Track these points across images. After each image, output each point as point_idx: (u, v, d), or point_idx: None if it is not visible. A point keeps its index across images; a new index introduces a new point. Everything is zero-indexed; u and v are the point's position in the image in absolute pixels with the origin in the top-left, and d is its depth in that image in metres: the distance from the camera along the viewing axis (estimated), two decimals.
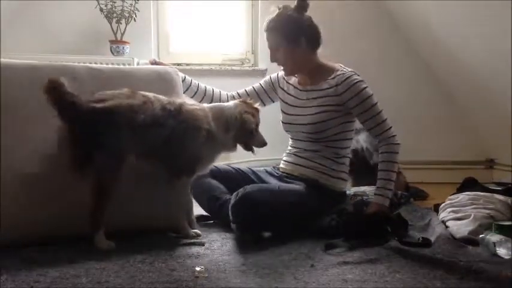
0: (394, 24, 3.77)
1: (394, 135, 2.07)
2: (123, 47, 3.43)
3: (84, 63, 3.13)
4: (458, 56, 3.35)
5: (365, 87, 2.07)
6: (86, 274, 1.47)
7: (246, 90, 2.33)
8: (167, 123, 1.79)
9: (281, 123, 2.25)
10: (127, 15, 3.40)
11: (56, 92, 1.63)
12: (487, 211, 2.00)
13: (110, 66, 2.75)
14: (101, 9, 3.36)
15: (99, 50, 3.45)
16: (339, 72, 2.09)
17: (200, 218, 2.20)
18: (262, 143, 1.98)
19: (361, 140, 2.89)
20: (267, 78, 2.33)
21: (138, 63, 3.32)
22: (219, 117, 1.90)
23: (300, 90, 2.18)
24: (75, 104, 1.65)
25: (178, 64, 3.65)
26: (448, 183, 2.92)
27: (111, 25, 3.41)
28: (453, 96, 3.78)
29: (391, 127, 2.08)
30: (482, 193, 2.18)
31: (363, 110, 2.04)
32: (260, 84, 2.33)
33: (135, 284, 1.40)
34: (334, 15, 3.71)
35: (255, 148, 1.98)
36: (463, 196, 2.18)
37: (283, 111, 2.24)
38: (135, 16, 3.42)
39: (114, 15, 3.39)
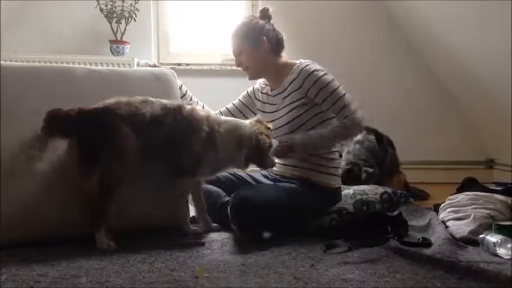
0: (394, 24, 3.77)
1: (359, 120, 2.03)
2: (123, 47, 3.43)
3: (84, 63, 3.16)
4: (458, 56, 3.35)
5: (322, 75, 2.07)
6: (86, 274, 1.47)
7: (227, 108, 2.38)
8: (167, 121, 1.81)
9: None
10: (127, 15, 3.41)
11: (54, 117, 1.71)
12: (487, 211, 2.00)
13: (108, 67, 2.76)
14: (101, 9, 3.37)
15: (99, 50, 3.45)
16: (295, 66, 2.13)
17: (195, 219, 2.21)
18: (272, 165, 2.03)
19: (355, 150, 2.92)
20: (244, 93, 2.38)
21: (138, 63, 3.33)
22: (233, 132, 1.92)
23: (272, 96, 2.23)
24: (77, 111, 1.71)
25: (178, 64, 3.66)
26: (448, 183, 2.92)
27: (111, 25, 3.41)
28: (453, 96, 3.78)
29: (357, 109, 2.05)
30: (482, 193, 2.18)
31: (324, 97, 2.05)
32: (239, 99, 2.38)
33: (135, 284, 1.40)
34: (335, 15, 3.72)
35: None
36: (463, 196, 2.18)
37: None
38: (135, 16, 3.42)
39: (114, 15, 3.39)
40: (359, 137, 2.92)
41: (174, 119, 1.83)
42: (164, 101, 1.87)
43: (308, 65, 2.11)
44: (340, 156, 2.76)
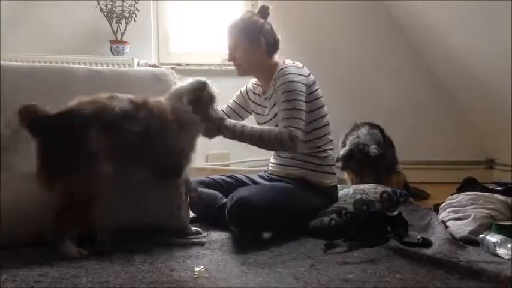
0: (395, 24, 3.77)
1: (295, 136, 1.98)
2: (123, 47, 3.43)
3: (84, 63, 3.16)
4: (458, 56, 3.35)
5: (293, 81, 2.05)
6: (86, 274, 1.47)
7: (222, 110, 2.34)
8: (138, 116, 1.71)
9: None
10: (127, 15, 3.40)
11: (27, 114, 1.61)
12: (487, 211, 2.00)
13: (108, 67, 2.76)
14: (101, 9, 3.36)
15: (99, 50, 3.45)
16: (278, 68, 2.12)
17: (195, 219, 2.21)
18: (221, 117, 1.96)
19: (361, 135, 2.88)
20: (237, 93, 2.38)
21: (138, 63, 3.33)
22: (177, 97, 1.86)
23: (264, 98, 2.23)
24: (42, 116, 1.61)
25: (178, 64, 3.66)
26: (448, 183, 2.92)
27: (111, 25, 3.41)
28: (453, 96, 3.78)
29: (300, 128, 2.00)
30: (482, 193, 2.18)
31: (283, 99, 2.03)
32: (233, 100, 2.38)
33: (135, 284, 1.40)
34: (335, 15, 3.71)
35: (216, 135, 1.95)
36: (463, 196, 2.18)
37: (258, 123, 2.29)
38: (135, 16, 3.42)
39: (114, 15, 3.39)
40: (363, 130, 2.90)
41: (145, 114, 1.72)
42: (130, 95, 1.76)
43: (287, 67, 2.10)
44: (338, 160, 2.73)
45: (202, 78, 1.95)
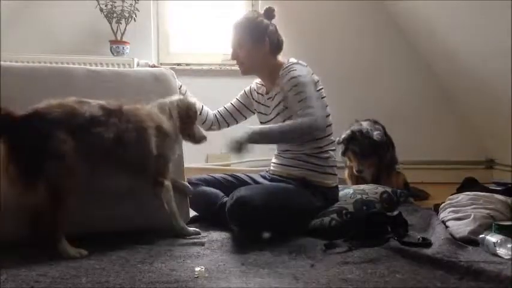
0: (395, 24, 3.77)
1: (314, 116, 1.95)
2: (123, 47, 3.43)
3: (84, 63, 3.16)
4: (459, 56, 3.35)
5: (300, 75, 2.05)
6: (86, 274, 1.47)
7: (225, 108, 2.39)
8: (109, 122, 1.72)
9: None
10: (127, 15, 3.41)
11: None
12: (487, 211, 2.00)
13: (107, 68, 2.76)
14: (101, 9, 3.37)
15: (99, 50, 3.45)
16: (284, 67, 2.13)
17: (195, 219, 2.21)
18: (200, 137, 2.05)
19: (364, 124, 2.86)
20: (241, 92, 2.39)
21: (138, 63, 3.33)
22: (163, 110, 1.92)
23: (267, 98, 2.24)
24: (7, 115, 1.58)
25: (178, 64, 3.66)
26: (448, 183, 2.92)
27: (111, 25, 3.41)
28: (453, 96, 3.78)
29: (315, 110, 1.97)
30: (482, 193, 2.17)
31: (293, 93, 2.02)
32: (237, 99, 2.39)
33: (135, 284, 1.40)
34: (335, 15, 3.72)
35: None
36: (463, 196, 2.18)
37: (260, 122, 2.30)
38: (135, 16, 3.42)
39: (114, 15, 3.39)
40: (365, 124, 2.87)
41: (116, 119, 1.74)
42: (103, 101, 1.76)
43: (291, 65, 2.10)
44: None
45: (191, 99, 2.06)
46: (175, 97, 2.01)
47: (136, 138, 1.77)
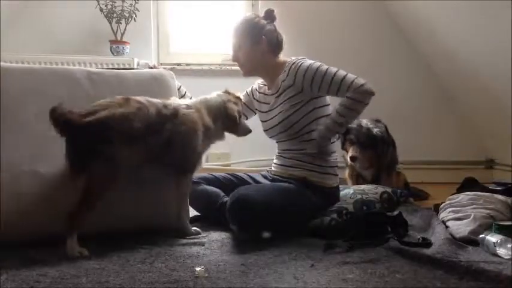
0: (395, 24, 3.78)
1: (362, 84, 2.03)
2: (123, 47, 3.43)
3: (84, 63, 3.17)
4: (458, 56, 3.35)
5: (310, 64, 2.09)
6: (86, 274, 1.47)
7: None
8: (164, 128, 1.80)
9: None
10: (127, 15, 3.41)
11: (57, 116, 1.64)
12: (487, 211, 2.00)
13: (107, 69, 2.76)
14: (101, 9, 3.37)
15: (99, 50, 3.46)
16: (287, 64, 2.16)
17: (195, 219, 2.21)
18: (247, 130, 2.09)
19: (364, 120, 2.85)
20: (244, 92, 2.40)
21: (138, 63, 3.33)
22: (209, 111, 1.97)
23: (269, 95, 2.25)
24: (70, 121, 1.63)
25: (178, 64, 3.67)
26: (448, 183, 2.92)
27: (111, 25, 3.41)
28: (453, 96, 3.78)
29: (356, 77, 2.05)
30: (482, 193, 2.17)
31: (319, 82, 2.06)
32: None
33: (135, 284, 1.40)
34: (335, 15, 3.72)
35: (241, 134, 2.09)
36: (463, 196, 2.18)
37: (261, 121, 2.31)
38: (135, 16, 3.43)
39: (114, 15, 3.40)
40: (365, 120, 2.86)
41: (171, 124, 1.82)
42: (159, 104, 1.83)
43: (297, 60, 2.13)
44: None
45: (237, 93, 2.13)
46: (219, 98, 2.03)
47: (186, 141, 1.86)
